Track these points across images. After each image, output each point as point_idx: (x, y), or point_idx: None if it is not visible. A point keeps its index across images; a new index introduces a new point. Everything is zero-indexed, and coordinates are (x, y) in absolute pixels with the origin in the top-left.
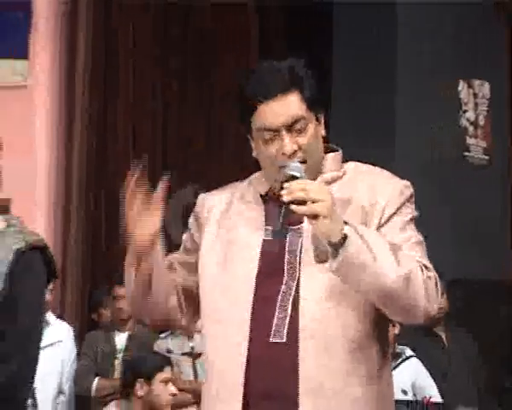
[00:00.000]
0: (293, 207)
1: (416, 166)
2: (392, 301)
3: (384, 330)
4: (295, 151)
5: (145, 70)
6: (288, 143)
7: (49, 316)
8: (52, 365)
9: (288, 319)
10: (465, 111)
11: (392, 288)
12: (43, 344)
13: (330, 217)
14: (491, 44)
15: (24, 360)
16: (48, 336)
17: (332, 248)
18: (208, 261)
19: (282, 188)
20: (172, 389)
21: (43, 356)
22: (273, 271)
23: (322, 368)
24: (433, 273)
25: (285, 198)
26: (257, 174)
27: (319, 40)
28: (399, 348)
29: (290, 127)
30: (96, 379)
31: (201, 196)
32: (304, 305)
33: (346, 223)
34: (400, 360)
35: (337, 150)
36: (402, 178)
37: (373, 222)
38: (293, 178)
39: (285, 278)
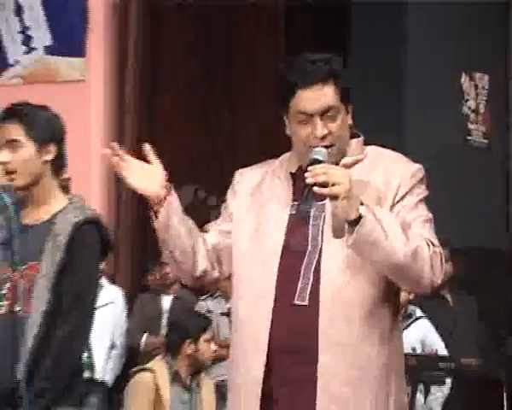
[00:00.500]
0: (315, 188)
1: (423, 149)
2: (401, 273)
3: (394, 297)
4: (325, 135)
5: (185, 65)
6: (320, 127)
7: (103, 280)
8: (105, 322)
9: (310, 285)
10: (467, 100)
11: (401, 262)
12: (97, 305)
13: (348, 198)
14: (491, 41)
15: (80, 319)
16: (101, 297)
17: (349, 226)
18: (241, 230)
19: (307, 171)
20: (214, 347)
21: (98, 315)
22: (298, 242)
23: (340, 329)
24: (438, 249)
25: (309, 180)
26: (287, 154)
27: (338, 36)
28: (411, 308)
29: (323, 114)
30: (145, 336)
31: (238, 171)
32: (325, 274)
33: (362, 204)
34: (411, 320)
35: (359, 136)
36: (413, 161)
37: (387, 201)
38: (317, 162)
39: (308, 249)
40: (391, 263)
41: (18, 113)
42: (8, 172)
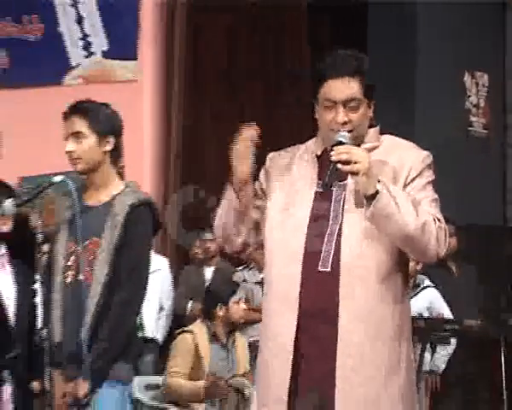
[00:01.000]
0: (339, 165)
1: (431, 138)
2: (411, 244)
3: (405, 266)
4: (345, 122)
5: (224, 63)
6: (342, 115)
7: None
8: (153, 287)
9: (332, 253)
10: (469, 96)
11: (411, 234)
12: None
13: (367, 175)
14: (490, 41)
15: (134, 288)
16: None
17: (367, 200)
18: (273, 206)
19: (331, 150)
20: (243, 306)
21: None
22: (322, 216)
23: (358, 292)
24: (443, 224)
25: (333, 158)
26: (313, 139)
27: (355, 34)
28: (420, 278)
29: (346, 103)
30: (190, 303)
31: (269, 156)
32: (345, 243)
33: (379, 181)
34: (420, 288)
35: (376, 126)
36: (422, 148)
37: (400, 182)
38: (341, 143)
39: (330, 222)
40: (402, 234)
41: (82, 109)
42: (73, 160)
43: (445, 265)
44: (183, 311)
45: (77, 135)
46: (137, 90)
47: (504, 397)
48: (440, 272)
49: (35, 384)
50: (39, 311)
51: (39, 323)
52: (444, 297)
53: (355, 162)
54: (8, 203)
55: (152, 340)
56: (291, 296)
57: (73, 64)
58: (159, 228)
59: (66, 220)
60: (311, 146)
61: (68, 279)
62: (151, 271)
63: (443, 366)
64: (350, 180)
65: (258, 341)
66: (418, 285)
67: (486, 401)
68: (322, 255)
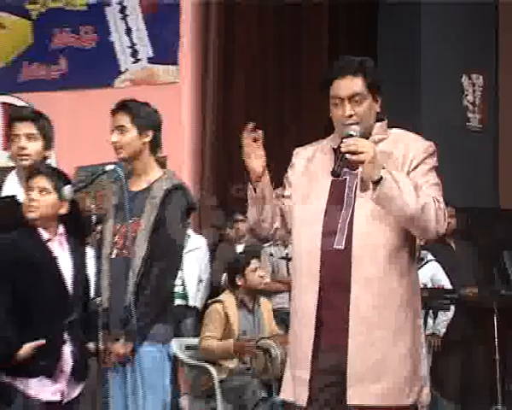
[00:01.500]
0: (347, 155)
1: (434, 131)
2: (412, 222)
3: (411, 241)
4: (351, 115)
5: (255, 62)
6: (348, 108)
7: (191, 232)
8: (194, 263)
9: (345, 233)
10: (466, 95)
11: (412, 214)
12: (187, 249)
13: (373, 163)
14: (485, 49)
15: (170, 261)
16: (190, 244)
17: (373, 185)
18: (297, 193)
19: (342, 142)
20: (259, 273)
21: (189, 257)
22: (337, 201)
23: (368, 266)
24: (442, 205)
25: (342, 149)
26: (332, 135)
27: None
28: (423, 253)
29: (351, 98)
30: (224, 275)
31: (295, 151)
32: (356, 223)
33: (383, 168)
34: (423, 262)
35: (384, 120)
36: (426, 139)
37: (405, 168)
38: (350, 136)
39: (344, 206)
40: (405, 214)
41: (126, 106)
42: (117, 149)
43: (446, 241)
44: (218, 282)
45: (121, 128)
46: (177, 91)
47: (497, 358)
48: (441, 249)
49: (90, 345)
50: (92, 281)
51: (92, 292)
52: (444, 270)
53: (361, 152)
54: (67, 189)
55: (193, 307)
56: (313, 271)
57: (122, 69)
58: (192, 209)
59: (113, 204)
60: (330, 140)
61: (115, 254)
62: (192, 249)
63: (443, 330)
64: (361, 169)
65: (282, 308)
66: (422, 259)
67: (481, 361)
68: (337, 235)
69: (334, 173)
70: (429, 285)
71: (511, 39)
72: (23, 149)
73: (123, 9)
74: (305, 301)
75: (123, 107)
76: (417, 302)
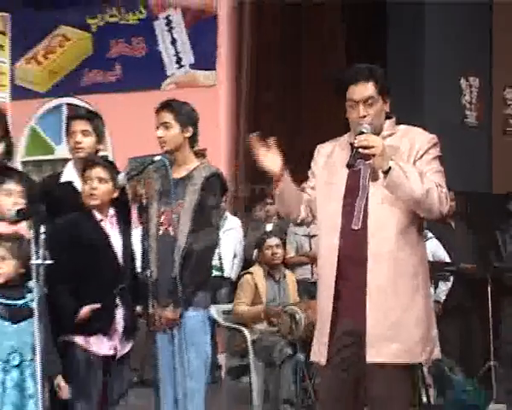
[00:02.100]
0: (359, 149)
1: (436, 126)
2: (419, 205)
3: (419, 221)
4: (365, 115)
5: (274, 65)
6: (362, 110)
7: (228, 214)
8: (230, 240)
9: (361, 215)
10: (464, 95)
11: (418, 198)
12: (224, 230)
13: (382, 156)
14: (481, 48)
15: (209, 239)
16: (226, 225)
17: (383, 174)
18: (320, 183)
19: (355, 139)
20: (273, 251)
21: (225, 237)
22: (353, 189)
23: (381, 243)
24: (445, 190)
25: (355, 144)
26: (349, 132)
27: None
28: (424, 232)
29: (365, 102)
30: (255, 251)
31: (317, 147)
32: (371, 207)
33: (392, 160)
34: (424, 240)
35: (392, 117)
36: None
37: (411, 158)
38: (362, 133)
39: (360, 193)
40: (411, 198)
41: (170, 105)
42: (161, 143)
43: (446, 222)
44: (251, 257)
45: (165, 125)
46: (216, 94)
47: (490, 325)
48: (443, 228)
49: (138, 308)
50: (138, 256)
51: (138, 265)
52: (444, 246)
53: (372, 147)
54: (122, 177)
55: (228, 278)
56: (334, 249)
57: (168, 74)
58: (226, 192)
59: (156, 189)
60: (347, 136)
61: (161, 232)
62: (228, 228)
63: (444, 298)
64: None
65: (305, 278)
66: (424, 237)
67: (477, 324)
68: (354, 217)
69: (348, 165)
70: (431, 259)
71: (505, 40)
72: (78, 143)
73: (169, 23)
74: (326, 274)
75: (167, 105)
76: (426, 273)
